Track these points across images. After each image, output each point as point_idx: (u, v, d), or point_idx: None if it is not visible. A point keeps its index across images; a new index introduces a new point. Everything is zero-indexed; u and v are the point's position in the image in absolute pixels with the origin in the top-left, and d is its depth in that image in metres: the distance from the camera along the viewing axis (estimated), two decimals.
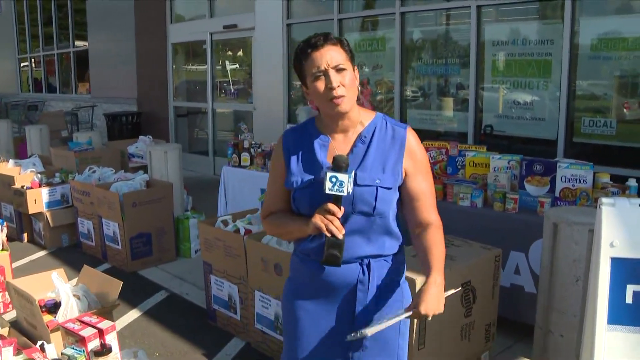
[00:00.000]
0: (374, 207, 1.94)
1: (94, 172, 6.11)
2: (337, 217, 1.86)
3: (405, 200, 2.04)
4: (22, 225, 6.31)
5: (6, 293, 4.27)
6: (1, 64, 17.08)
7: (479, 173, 4.31)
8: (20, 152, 9.00)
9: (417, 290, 1.89)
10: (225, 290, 4.11)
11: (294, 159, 2.04)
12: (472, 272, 2.98)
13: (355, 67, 2.00)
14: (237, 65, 9.97)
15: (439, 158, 4.59)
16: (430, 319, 1.86)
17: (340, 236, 1.85)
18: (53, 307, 3.54)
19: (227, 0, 9.61)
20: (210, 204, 6.90)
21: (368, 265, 1.99)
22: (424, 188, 2.02)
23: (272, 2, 8.29)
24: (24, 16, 15.90)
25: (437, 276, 1.89)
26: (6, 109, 14.98)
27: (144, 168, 6.70)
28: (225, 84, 10.02)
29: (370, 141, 2.00)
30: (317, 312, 2.06)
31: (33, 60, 16.22)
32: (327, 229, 1.84)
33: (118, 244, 5.41)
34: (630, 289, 2.20)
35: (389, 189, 1.96)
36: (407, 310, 1.87)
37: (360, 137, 2.01)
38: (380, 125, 2.03)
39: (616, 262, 2.20)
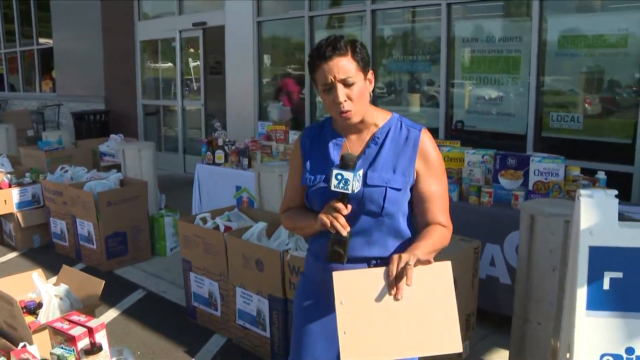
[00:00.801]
0: (382, 208, 1.95)
1: (66, 171, 6.03)
2: (343, 215, 1.87)
3: (415, 202, 2.03)
4: None
5: None
6: None
7: (453, 168, 4.40)
8: None
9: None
10: (205, 287, 4.12)
11: (309, 157, 2.09)
12: (453, 264, 3.05)
13: (370, 71, 1.99)
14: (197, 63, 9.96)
15: None
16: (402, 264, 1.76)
17: (344, 233, 1.87)
18: (33, 308, 3.51)
19: None
20: (183, 201, 6.89)
21: (376, 266, 1.97)
22: (434, 191, 2.01)
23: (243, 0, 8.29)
24: None
25: (418, 250, 1.83)
26: None
27: (116, 167, 6.65)
28: (189, 82, 10.00)
29: (383, 142, 2.01)
30: (325, 311, 2.08)
31: None
32: (332, 226, 1.87)
33: (93, 244, 5.36)
34: (607, 275, 2.29)
35: (399, 190, 1.97)
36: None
37: (373, 138, 2.03)
38: (395, 126, 2.04)
39: (594, 251, 2.28)
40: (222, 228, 4.08)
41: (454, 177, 4.29)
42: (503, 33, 5.79)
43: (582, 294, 2.30)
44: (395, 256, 1.77)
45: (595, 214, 2.29)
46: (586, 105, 5.31)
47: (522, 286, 3.17)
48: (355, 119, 1.96)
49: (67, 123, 12.18)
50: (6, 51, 15.10)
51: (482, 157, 4.23)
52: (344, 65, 1.90)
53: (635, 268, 2.28)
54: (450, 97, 6.24)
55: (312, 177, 2.04)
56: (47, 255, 5.83)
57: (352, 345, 1.74)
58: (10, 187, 5.94)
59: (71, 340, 2.52)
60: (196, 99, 9.80)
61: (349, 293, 1.77)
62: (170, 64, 10.25)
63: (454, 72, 6.18)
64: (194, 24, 9.26)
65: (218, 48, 9.13)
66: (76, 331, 2.53)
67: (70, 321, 2.62)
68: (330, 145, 2.06)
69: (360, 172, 1.89)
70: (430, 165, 2.01)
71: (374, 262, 2.00)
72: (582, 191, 2.31)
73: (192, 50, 9.85)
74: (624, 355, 2.30)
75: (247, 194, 5.56)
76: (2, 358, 3.11)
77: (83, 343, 2.52)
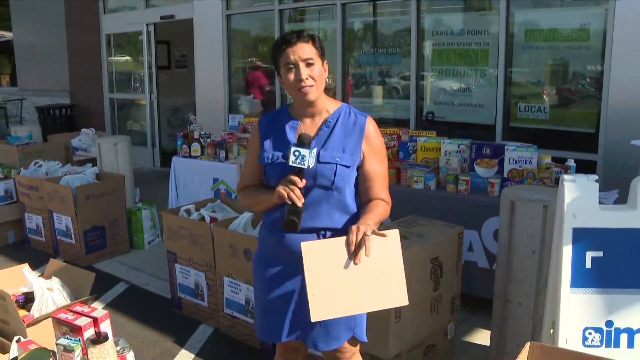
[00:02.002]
0: (333, 182, 2.21)
1: (40, 166, 5.98)
2: (298, 187, 2.13)
3: (361, 180, 2.31)
4: None
5: None
6: None
7: (430, 157, 4.56)
8: None
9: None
10: (191, 278, 4.19)
11: (267, 138, 2.32)
12: (439, 249, 3.20)
13: (325, 62, 2.28)
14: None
15: (391, 144, 4.81)
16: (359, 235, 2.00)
17: (299, 204, 2.12)
18: (23, 302, 3.52)
19: None
20: (157, 195, 6.91)
21: (324, 237, 2.25)
22: (377, 170, 2.30)
23: None
24: None
25: (370, 220, 2.10)
26: None
27: (90, 161, 6.61)
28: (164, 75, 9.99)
29: (334, 126, 2.28)
30: (283, 276, 2.33)
31: None
32: (289, 197, 2.11)
33: (71, 238, 5.35)
34: (589, 255, 2.46)
35: (348, 167, 2.23)
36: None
37: (325, 122, 2.29)
38: (344, 112, 2.31)
39: (577, 232, 2.45)
40: (207, 219, 4.15)
41: (431, 167, 4.45)
42: (471, 26, 5.96)
43: (566, 272, 2.47)
44: (354, 227, 2.02)
45: (577, 198, 2.45)
46: (549, 96, 5.53)
47: (502, 269, 3.34)
48: (313, 96, 2.21)
49: (30, 118, 11.96)
50: None
51: (458, 146, 4.39)
52: (306, 49, 2.20)
53: (614, 247, 2.46)
54: (421, 89, 6.39)
55: (271, 155, 2.28)
56: (22, 251, 5.79)
57: (320, 305, 2.00)
58: None
59: (77, 330, 2.56)
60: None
61: (316, 261, 2.02)
62: (137, 58, 10.18)
63: (424, 65, 6.33)
64: (161, 17, 9.21)
65: (184, 41, 9.15)
66: (82, 321, 2.57)
67: (74, 312, 2.66)
68: (287, 127, 2.31)
69: (315, 150, 2.16)
70: (374, 149, 2.30)
71: (323, 232, 2.27)
72: (566, 177, 2.48)
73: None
74: (604, 328, 2.48)
75: (224, 185, 5.63)
76: None
77: (89, 333, 2.57)
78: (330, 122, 2.28)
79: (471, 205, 4.12)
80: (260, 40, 8.37)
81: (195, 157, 5.93)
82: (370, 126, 2.30)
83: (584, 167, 4.82)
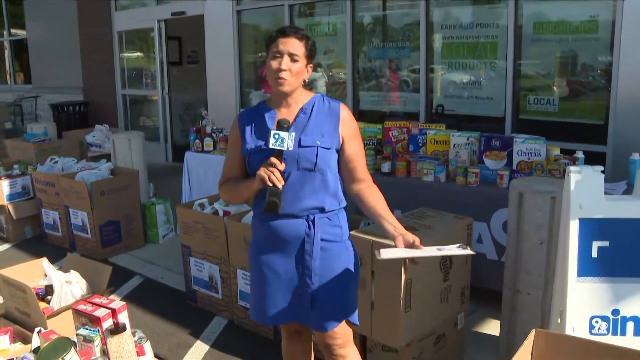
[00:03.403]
0: (315, 164, 2.35)
1: (56, 162, 6.09)
2: (279, 170, 2.25)
3: (344, 163, 2.47)
4: None
5: None
6: None
7: (440, 150, 4.61)
8: None
9: (388, 230, 2.36)
10: (205, 271, 4.27)
11: (248, 130, 2.44)
12: (448, 240, 3.23)
13: (310, 65, 2.42)
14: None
15: (401, 137, 4.86)
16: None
17: (279, 186, 2.25)
18: (42, 295, 3.62)
19: None
20: (171, 189, 7.00)
21: (313, 221, 2.39)
22: (357, 151, 2.47)
23: None
24: None
25: (393, 219, 2.39)
26: None
27: (104, 156, 6.72)
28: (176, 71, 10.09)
29: (311, 113, 2.42)
30: (277, 263, 2.46)
31: None
32: (269, 179, 2.23)
33: (87, 233, 5.46)
34: (595, 245, 2.51)
35: (328, 149, 2.38)
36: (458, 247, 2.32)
37: (302, 110, 2.43)
38: (318, 101, 2.46)
39: (583, 222, 2.49)
40: (220, 213, 4.22)
41: (441, 159, 4.50)
42: (480, 19, 5.98)
43: (573, 262, 2.52)
44: (410, 236, 2.30)
45: (584, 189, 2.50)
46: (558, 88, 5.56)
47: (511, 260, 3.39)
48: (286, 88, 2.35)
49: (44, 115, 12.11)
50: None
51: (467, 139, 4.43)
52: (296, 45, 2.33)
53: (620, 237, 2.50)
54: (430, 82, 6.43)
55: (252, 143, 2.40)
56: (40, 245, 5.90)
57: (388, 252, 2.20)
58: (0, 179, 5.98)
59: (96, 321, 2.64)
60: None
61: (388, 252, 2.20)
62: (148, 54, 10.28)
63: (433, 58, 6.37)
64: (172, 14, 9.30)
65: (195, 37, 9.23)
66: (101, 312, 2.65)
67: (93, 303, 2.75)
68: (266, 117, 2.44)
69: (293, 134, 2.28)
70: (351, 132, 2.46)
71: (311, 213, 2.40)
72: (572, 168, 2.52)
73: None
74: (610, 317, 2.53)
75: None
76: (19, 343, 3.23)
77: (107, 324, 2.65)
78: (306, 109, 2.43)
79: (480, 197, 4.17)
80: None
81: (208, 152, 6.01)
82: (344, 111, 2.45)
83: (594, 159, 4.84)
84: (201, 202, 4.43)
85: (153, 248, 5.75)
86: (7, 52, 13.95)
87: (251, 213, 4.00)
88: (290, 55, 2.31)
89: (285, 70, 2.31)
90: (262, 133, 2.39)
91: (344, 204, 2.52)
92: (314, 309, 2.43)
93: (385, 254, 2.18)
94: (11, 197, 5.99)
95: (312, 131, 2.38)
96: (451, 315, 3.40)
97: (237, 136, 2.48)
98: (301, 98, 2.45)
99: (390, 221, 2.37)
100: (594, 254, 2.52)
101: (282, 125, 2.28)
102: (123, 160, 5.98)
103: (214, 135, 6.02)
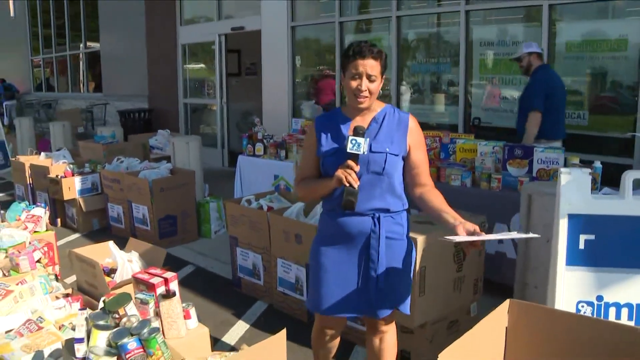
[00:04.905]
0: (384, 168, 2.59)
1: (122, 162, 6.73)
2: (355, 171, 2.48)
3: (409, 169, 2.69)
4: (56, 211, 6.92)
5: (56, 266, 4.87)
6: (15, 65, 17.78)
7: (467, 157, 4.97)
8: (39, 147, 9.60)
9: (449, 221, 2.51)
10: (249, 259, 4.74)
11: (324, 134, 2.69)
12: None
13: (384, 77, 2.64)
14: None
15: (433, 145, 5.25)
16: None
17: (355, 186, 2.48)
18: (108, 272, 4.15)
19: (235, 0, 10.21)
20: (225, 191, 7.53)
21: (378, 219, 2.63)
22: (422, 159, 2.70)
23: (278, 5, 8.88)
24: (36, 19, 16.55)
25: (453, 212, 2.56)
26: (21, 107, 15.63)
27: (165, 158, 7.33)
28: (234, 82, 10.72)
29: (382, 122, 2.66)
30: (340, 257, 2.71)
31: (45, 61, 16.91)
32: (347, 180, 2.47)
33: (147, 225, 6.04)
34: (582, 237, 2.84)
35: (396, 155, 2.62)
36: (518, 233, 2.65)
37: (374, 119, 2.67)
38: (389, 111, 2.70)
39: (572, 217, 2.84)
40: (265, 208, 4.70)
41: (468, 166, 4.86)
42: (516, 37, 6.32)
43: (562, 252, 2.86)
44: (470, 225, 2.43)
45: (573, 187, 2.85)
46: (589, 103, 5.81)
47: (521, 256, 3.73)
48: (365, 105, 2.60)
49: (113, 120, 12.95)
50: (57, 55, 16.13)
51: (493, 148, 4.78)
52: (374, 66, 2.54)
53: (605, 231, 2.82)
54: (469, 96, 6.78)
55: (328, 147, 2.65)
56: (105, 236, 6.46)
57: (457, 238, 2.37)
58: (73, 175, 6.65)
59: (151, 287, 3.12)
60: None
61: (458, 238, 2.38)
62: (209, 66, 10.94)
63: (472, 73, 6.72)
64: (232, 29, 9.91)
65: (254, 50, 9.82)
66: (155, 280, 3.13)
67: (150, 273, 3.25)
68: (341, 123, 2.68)
69: (368, 140, 2.52)
70: (417, 141, 2.69)
71: (377, 213, 2.62)
72: (563, 169, 2.88)
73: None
74: (595, 302, 2.85)
75: (284, 182, 6.18)
76: (87, 309, 3.76)
77: (160, 290, 3.13)
78: (378, 119, 2.66)
79: (502, 201, 4.50)
80: (322, 49, 8.94)
81: (259, 156, 6.52)
82: (412, 122, 2.69)
83: (621, 171, 5.07)
84: (248, 198, 4.91)
85: (205, 242, 6.28)
86: (82, 63, 15.01)
87: (291, 209, 4.50)
88: (369, 76, 2.52)
89: (364, 91, 2.53)
90: (337, 137, 2.63)
91: (407, 205, 2.74)
92: (377, 299, 2.69)
93: (458, 238, 2.34)
94: (82, 192, 6.65)
95: (383, 139, 2.60)
96: (464, 303, 3.77)
97: (314, 140, 2.71)
98: (374, 107, 2.67)
99: (451, 214, 2.52)
100: (581, 245, 2.85)
101: (358, 132, 2.49)
102: (181, 161, 6.55)
103: (264, 140, 6.52)
